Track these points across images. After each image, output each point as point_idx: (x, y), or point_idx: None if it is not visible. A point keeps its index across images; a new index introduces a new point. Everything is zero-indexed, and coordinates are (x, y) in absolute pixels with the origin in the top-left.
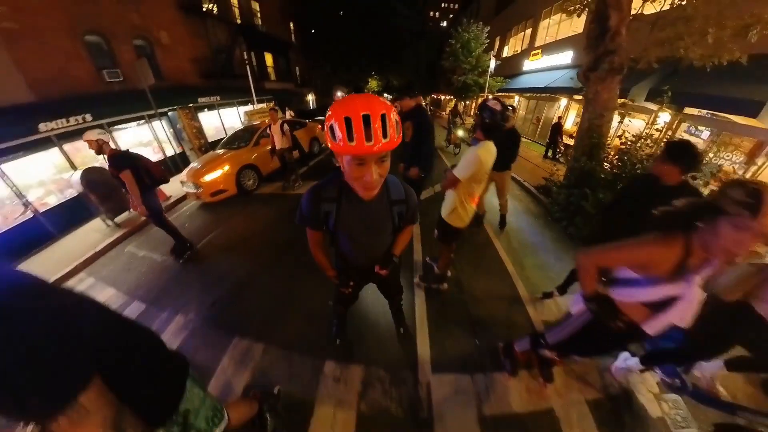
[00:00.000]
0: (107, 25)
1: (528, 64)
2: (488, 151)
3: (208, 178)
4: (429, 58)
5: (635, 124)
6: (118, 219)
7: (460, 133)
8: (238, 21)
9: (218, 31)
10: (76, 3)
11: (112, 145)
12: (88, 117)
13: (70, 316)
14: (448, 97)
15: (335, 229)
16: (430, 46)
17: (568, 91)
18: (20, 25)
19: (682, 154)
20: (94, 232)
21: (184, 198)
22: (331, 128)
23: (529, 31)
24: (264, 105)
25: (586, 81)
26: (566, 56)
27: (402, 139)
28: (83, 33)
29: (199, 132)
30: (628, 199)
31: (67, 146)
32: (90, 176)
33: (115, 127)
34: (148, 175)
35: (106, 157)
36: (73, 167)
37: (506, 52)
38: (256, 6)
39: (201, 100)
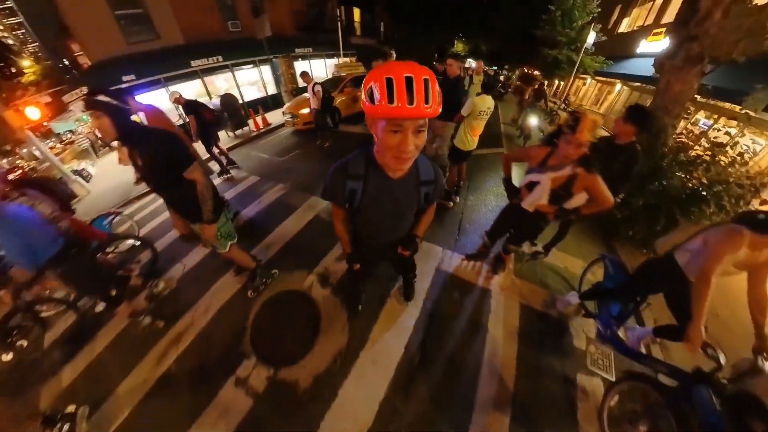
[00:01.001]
0: None
1: (644, 46)
2: (483, 100)
3: (304, 111)
4: (528, 23)
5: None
6: (238, 132)
7: (533, 120)
8: None
9: None
10: None
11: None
12: (220, 58)
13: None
14: (538, 73)
15: (360, 207)
16: (532, 9)
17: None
18: None
19: (638, 115)
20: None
21: (282, 126)
22: (370, 91)
23: (659, 1)
24: (348, 59)
25: (661, 70)
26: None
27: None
28: None
29: (293, 78)
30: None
31: (206, 78)
32: (225, 99)
33: (236, 68)
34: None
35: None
36: (209, 94)
37: (624, 26)
38: None
39: (297, 50)
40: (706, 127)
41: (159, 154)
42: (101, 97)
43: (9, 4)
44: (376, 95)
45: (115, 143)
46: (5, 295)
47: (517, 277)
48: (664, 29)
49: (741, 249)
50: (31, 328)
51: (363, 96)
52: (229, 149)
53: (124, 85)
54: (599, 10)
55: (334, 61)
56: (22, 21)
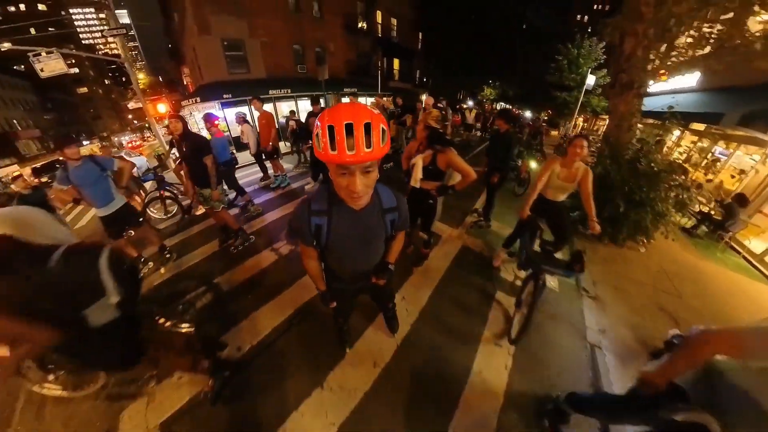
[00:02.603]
0: (304, 39)
1: (651, 86)
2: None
3: None
4: (544, 70)
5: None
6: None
7: (533, 164)
8: (379, 35)
9: (364, 41)
10: (292, 27)
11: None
12: (288, 90)
13: None
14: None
15: (327, 242)
16: (546, 58)
17: (685, 116)
18: (267, 39)
19: (504, 114)
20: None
21: None
22: (317, 136)
23: (663, 47)
24: (386, 99)
25: (609, 97)
26: (692, 78)
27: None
28: (292, 43)
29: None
30: (490, 141)
31: (277, 103)
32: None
33: (299, 98)
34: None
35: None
36: (276, 115)
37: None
38: (394, 21)
39: (345, 89)
40: (724, 156)
41: (195, 146)
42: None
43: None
44: (321, 141)
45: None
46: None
47: (466, 235)
48: (668, 71)
49: (556, 168)
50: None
51: (313, 139)
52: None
53: (223, 100)
54: (605, 57)
55: (372, 99)
56: (138, 45)
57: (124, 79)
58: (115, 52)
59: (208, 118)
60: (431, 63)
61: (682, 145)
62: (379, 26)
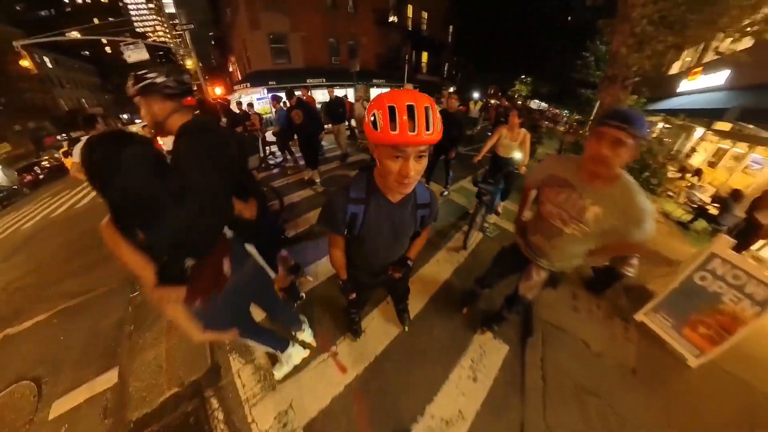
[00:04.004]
0: (338, 33)
1: (683, 85)
2: None
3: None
4: (571, 68)
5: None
6: None
7: (517, 154)
8: (410, 28)
9: (394, 35)
10: (329, 22)
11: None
12: (323, 80)
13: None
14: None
15: (359, 232)
16: (577, 56)
17: (702, 114)
18: (306, 34)
19: (456, 93)
20: None
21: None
22: (373, 118)
23: (702, 44)
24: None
25: (600, 89)
26: (721, 76)
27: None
28: (328, 37)
29: (367, 100)
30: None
31: (313, 91)
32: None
33: (333, 87)
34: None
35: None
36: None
37: (675, 69)
38: (425, 15)
39: (374, 80)
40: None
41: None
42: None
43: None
44: (379, 122)
45: None
46: None
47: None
48: (701, 68)
49: (504, 132)
50: None
51: (366, 123)
52: None
53: (269, 86)
54: None
55: None
56: (182, 34)
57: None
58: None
59: (274, 98)
60: (461, 57)
61: (709, 148)
62: (410, 20)
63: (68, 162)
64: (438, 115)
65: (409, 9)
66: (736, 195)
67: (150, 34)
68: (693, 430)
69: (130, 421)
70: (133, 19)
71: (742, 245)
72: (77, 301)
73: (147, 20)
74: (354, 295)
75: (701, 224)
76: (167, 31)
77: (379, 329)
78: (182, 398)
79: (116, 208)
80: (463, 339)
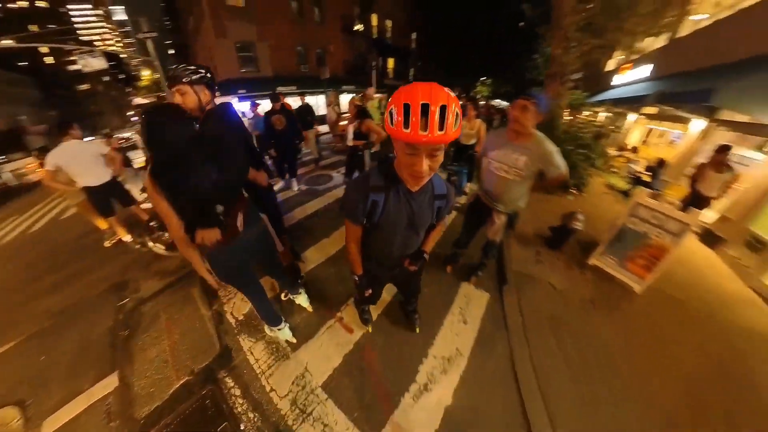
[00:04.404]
0: (306, 41)
1: (617, 79)
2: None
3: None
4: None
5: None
6: None
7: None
8: (375, 36)
9: (360, 42)
10: (296, 31)
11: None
12: (294, 87)
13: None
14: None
15: (379, 220)
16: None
17: (632, 101)
18: (274, 42)
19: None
20: None
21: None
22: (391, 112)
23: (630, 45)
24: (380, 96)
25: (544, 84)
26: (646, 69)
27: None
28: (296, 45)
29: (338, 105)
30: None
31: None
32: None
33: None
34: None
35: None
36: None
37: (609, 66)
38: (389, 23)
39: (344, 87)
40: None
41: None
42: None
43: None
44: (395, 118)
45: None
46: None
47: None
48: (631, 64)
49: (463, 125)
50: None
51: (386, 114)
52: None
53: (239, 94)
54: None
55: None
56: (144, 42)
57: (123, 76)
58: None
59: (254, 104)
60: (425, 62)
61: (641, 130)
62: (375, 28)
63: (42, 172)
64: (455, 113)
65: (374, 18)
66: (661, 163)
67: (98, 43)
68: (644, 341)
69: (140, 418)
70: (77, 26)
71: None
72: (57, 318)
73: (94, 28)
74: (370, 291)
75: (638, 190)
76: (119, 39)
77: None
78: (194, 385)
79: (161, 162)
80: (450, 292)
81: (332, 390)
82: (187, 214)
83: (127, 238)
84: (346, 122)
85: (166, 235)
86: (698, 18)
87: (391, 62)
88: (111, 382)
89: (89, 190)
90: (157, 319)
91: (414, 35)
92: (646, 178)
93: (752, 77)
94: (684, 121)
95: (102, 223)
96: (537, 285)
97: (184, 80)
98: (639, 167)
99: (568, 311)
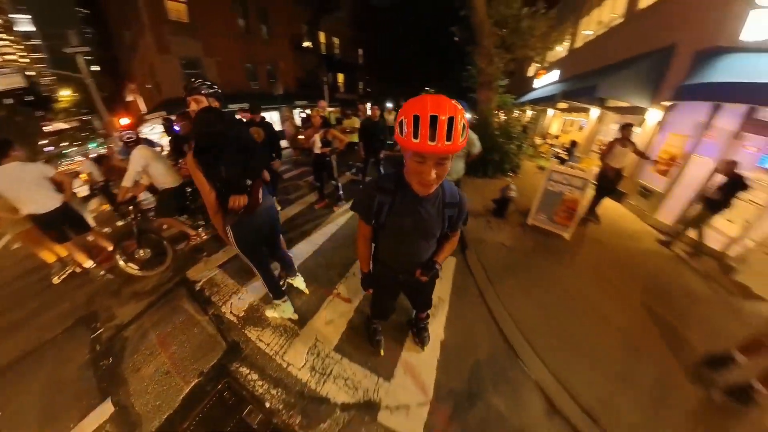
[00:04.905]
0: (255, 58)
1: (536, 83)
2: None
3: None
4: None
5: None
6: None
7: None
8: (324, 52)
9: (310, 59)
10: (244, 47)
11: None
12: (246, 105)
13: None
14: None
15: (386, 222)
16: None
17: (546, 101)
18: (222, 58)
19: (376, 105)
20: None
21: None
22: (401, 123)
23: (544, 55)
24: (332, 109)
25: (477, 90)
26: (556, 74)
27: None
28: (245, 61)
29: (292, 121)
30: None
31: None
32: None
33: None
34: None
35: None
36: None
37: (529, 72)
38: (336, 40)
39: (297, 102)
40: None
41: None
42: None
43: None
44: (404, 129)
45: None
46: None
47: None
48: (545, 70)
49: None
50: None
51: (396, 124)
52: None
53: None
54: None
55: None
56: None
57: (31, 98)
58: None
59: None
60: (372, 75)
61: (559, 121)
62: (323, 45)
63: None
64: (462, 124)
65: (322, 35)
66: (574, 144)
67: None
68: (577, 272)
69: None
70: None
71: (613, 191)
72: (11, 367)
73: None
74: (371, 291)
75: (552, 161)
76: (24, 53)
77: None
78: (207, 383)
79: (203, 147)
80: None
81: (344, 350)
82: (221, 187)
83: (88, 264)
84: (302, 136)
85: (142, 250)
86: (587, 33)
87: (341, 77)
88: (104, 410)
89: (36, 219)
90: (146, 338)
91: (361, 51)
92: (564, 156)
93: (622, 74)
94: (586, 111)
95: (48, 256)
96: (491, 246)
97: (202, 92)
98: (559, 149)
99: (519, 261)
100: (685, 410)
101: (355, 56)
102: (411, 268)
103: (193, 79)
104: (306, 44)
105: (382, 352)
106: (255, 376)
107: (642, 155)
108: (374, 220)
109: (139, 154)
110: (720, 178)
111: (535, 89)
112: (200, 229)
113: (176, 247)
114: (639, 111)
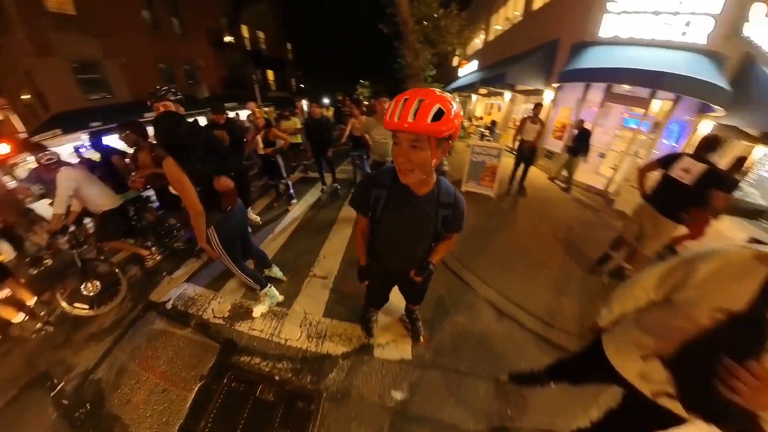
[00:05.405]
0: (169, 57)
1: (460, 72)
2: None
3: None
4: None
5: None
6: None
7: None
8: (248, 47)
9: (234, 55)
10: (154, 45)
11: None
12: None
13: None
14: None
15: (381, 217)
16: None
17: (469, 88)
18: (127, 59)
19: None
20: None
21: None
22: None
23: (464, 47)
24: (267, 109)
25: (407, 81)
26: (475, 64)
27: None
28: (157, 62)
29: None
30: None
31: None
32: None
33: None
34: None
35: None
36: None
37: (454, 63)
38: (261, 35)
39: (226, 105)
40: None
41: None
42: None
43: None
44: (387, 112)
45: None
46: None
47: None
48: (466, 61)
49: (353, 122)
50: None
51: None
52: None
53: (93, 129)
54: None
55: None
56: None
57: None
58: None
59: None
60: (305, 70)
61: (482, 105)
62: (247, 40)
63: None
64: (436, 108)
65: (244, 29)
66: (494, 123)
67: None
68: (504, 222)
69: None
70: None
71: (531, 162)
72: None
73: None
74: (367, 282)
75: (474, 137)
76: None
77: (340, 236)
78: (212, 382)
79: (178, 148)
80: None
81: (332, 314)
82: (204, 185)
83: (18, 318)
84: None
85: (89, 284)
86: (497, 28)
87: (270, 74)
88: None
89: None
90: (125, 371)
91: (289, 45)
92: (488, 134)
93: (524, 62)
94: (501, 94)
95: None
96: None
97: (170, 98)
98: (483, 129)
99: (468, 221)
100: (589, 293)
101: (284, 51)
102: (405, 265)
103: (158, 87)
104: (227, 39)
105: (374, 335)
106: (258, 360)
107: (541, 133)
108: (371, 213)
109: (66, 176)
110: (574, 132)
111: (460, 78)
112: (153, 249)
113: (130, 273)
114: (539, 92)
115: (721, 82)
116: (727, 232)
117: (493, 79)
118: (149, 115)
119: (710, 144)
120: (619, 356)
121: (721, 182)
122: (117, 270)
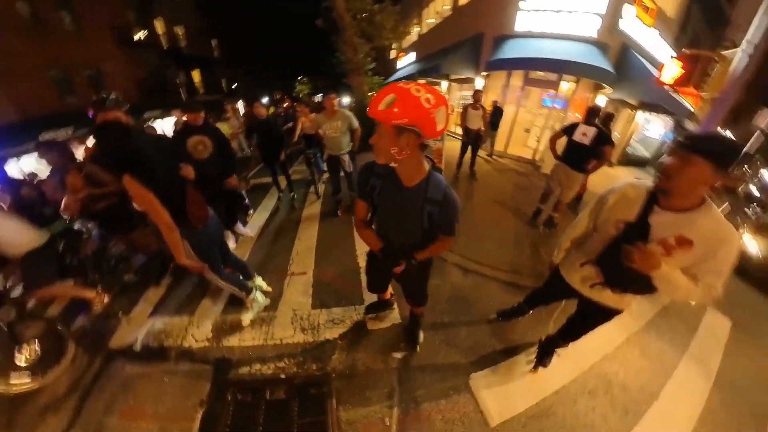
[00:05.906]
0: (64, 61)
1: (398, 64)
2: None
3: None
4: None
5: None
6: None
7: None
8: (165, 46)
9: (149, 56)
10: (38, 46)
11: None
12: (70, 130)
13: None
14: None
15: (377, 204)
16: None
17: (408, 79)
18: (6, 64)
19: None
20: None
21: None
22: None
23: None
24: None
25: (348, 75)
26: (413, 55)
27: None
28: (47, 68)
29: None
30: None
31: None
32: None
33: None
34: None
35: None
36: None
37: (391, 55)
38: (179, 30)
39: (146, 114)
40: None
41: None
42: None
43: None
44: None
45: None
46: None
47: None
48: (404, 53)
49: (302, 120)
50: None
51: None
52: None
53: None
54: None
55: (184, 117)
56: None
57: None
58: None
59: None
60: (235, 69)
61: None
62: (164, 36)
63: None
64: (390, 97)
65: (158, 25)
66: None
67: None
68: (460, 197)
69: None
70: None
71: (478, 146)
72: None
73: None
74: (367, 263)
75: None
76: None
77: (308, 233)
78: (215, 404)
79: (133, 164)
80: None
81: (321, 305)
82: (172, 202)
83: None
84: None
85: (25, 350)
86: (430, 21)
87: (196, 75)
88: None
89: None
90: (105, 428)
91: (215, 42)
92: None
93: (456, 54)
94: (439, 84)
95: None
96: None
97: (121, 107)
98: None
99: None
100: (530, 241)
101: (209, 48)
102: (401, 250)
103: (104, 95)
104: (138, 37)
105: (394, 306)
106: (258, 367)
107: (485, 119)
108: (370, 200)
109: None
110: (492, 110)
111: (399, 69)
112: (98, 287)
113: (75, 325)
114: (471, 81)
115: (608, 66)
116: (622, 176)
117: (430, 70)
118: (49, 134)
119: (592, 112)
120: (568, 272)
121: (607, 140)
122: (57, 325)
